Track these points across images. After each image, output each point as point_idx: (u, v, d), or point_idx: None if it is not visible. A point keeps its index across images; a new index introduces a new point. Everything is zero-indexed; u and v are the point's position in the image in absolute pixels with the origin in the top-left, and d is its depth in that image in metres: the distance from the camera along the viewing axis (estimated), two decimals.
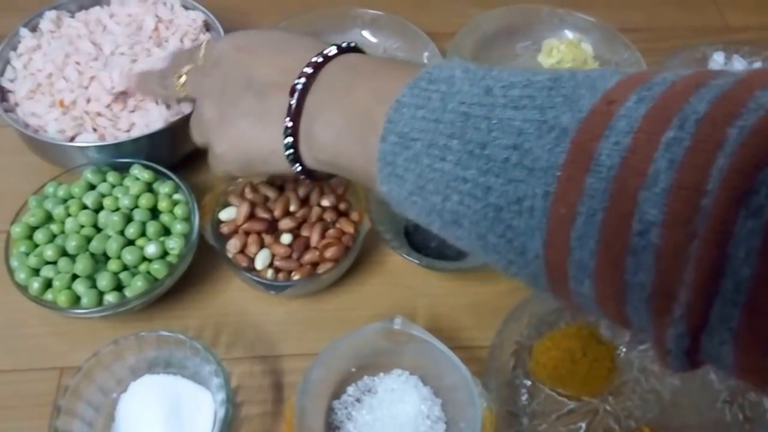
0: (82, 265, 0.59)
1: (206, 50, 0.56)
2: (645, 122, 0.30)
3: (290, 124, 0.46)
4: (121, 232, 0.62)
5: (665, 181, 0.28)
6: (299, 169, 0.49)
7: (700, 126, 0.28)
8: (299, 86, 0.46)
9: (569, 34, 0.95)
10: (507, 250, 0.35)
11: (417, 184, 0.38)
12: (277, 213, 0.66)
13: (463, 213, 0.36)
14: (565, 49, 0.93)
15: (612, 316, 0.33)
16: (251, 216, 0.65)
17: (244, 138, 0.50)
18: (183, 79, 0.58)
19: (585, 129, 0.31)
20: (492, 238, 0.35)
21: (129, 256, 0.61)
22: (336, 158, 0.45)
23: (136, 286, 0.60)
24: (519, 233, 0.34)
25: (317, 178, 0.51)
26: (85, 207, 0.64)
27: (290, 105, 0.46)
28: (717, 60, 0.90)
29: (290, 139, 0.47)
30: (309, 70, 0.46)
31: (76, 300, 0.59)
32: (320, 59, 0.46)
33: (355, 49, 0.48)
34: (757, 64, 0.90)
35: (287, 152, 0.47)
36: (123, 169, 0.68)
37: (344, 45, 0.48)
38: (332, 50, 0.47)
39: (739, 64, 0.89)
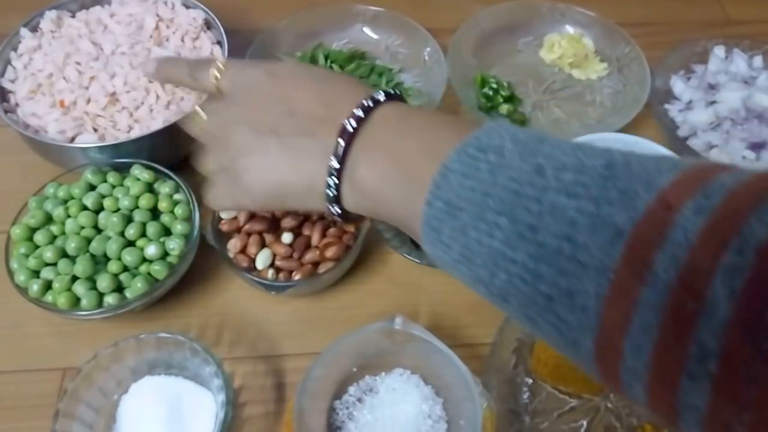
0: (82, 267, 0.59)
1: (229, 73, 0.54)
2: (702, 238, 0.29)
3: (337, 166, 0.45)
4: (122, 233, 0.62)
5: (724, 312, 0.27)
6: (338, 212, 0.47)
7: (759, 256, 0.27)
8: (350, 128, 0.45)
9: (570, 29, 0.95)
10: (558, 338, 0.35)
11: (463, 255, 0.37)
12: (277, 212, 0.66)
13: (512, 292, 0.35)
14: (566, 44, 0.92)
15: (667, 423, 0.33)
16: (252, 216, 0.65)
17: (280, 170, 0.48)
18: (217, 73, 0.54)
19: (640, 234, 0.31)
20: (542, 324, 0.35)
21: (129, 257, 0.61)
22: (378, 206, 0.45)
23: (136, 287, 0.60)
24: (571, 327, 0.33)
25: (348, 219, 0.49)
26: (85, 208, 0.64)
27: (338, 145, 0.45)
28: (718, 54, 0.90)
29: (334, 181, 0.45)
30: (360, 113, 0.45)
31: (77, 301, 0.59)
32: (370, 103, 0.46)
33: (400, 97, 0.48)
34: (758, 58, 0.89)
35: (328, 192, 0.46)
36: (123, 169, 0.68)
37: (392, 92, 0.47)
38: (381, 95, 0.46)
39: (739, 58, 0.88)
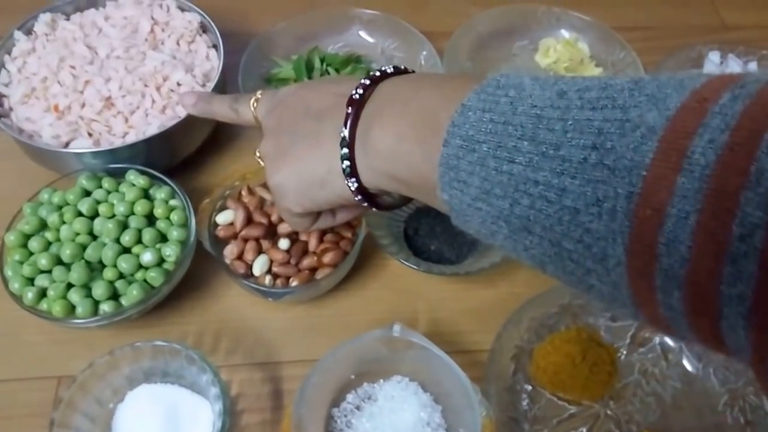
0: (77, 274, 0.59)
1: (263, 100, 0.56)
2: (743, 119, 0.28)
3: (347, 132, 0.45)
4: (117, 240, 0.62)
5: None
6: (355, 186, 0.47)
7: None
8: (356, 96, 0.46)
9: (566, 34, 0.95)
10: (584, 257, 0.33)
11: (482, 189, 0.36)
12: (274, 217, 0.66)
13: (535, 218, 0.34)
14: (561, 48, 0.92)
15: (704, 334, 0.31)
16: (249, 221, 0.65)
17: (300, 160, 0.49)
18: (255, 103, 0.57)
19: (675, 127, 0.29)
20: (568, 244, 0.34)
21: (125, 264, 0.60)
22: (393, 165, 0.43)
23: (132, 294, 0.59)
24: (598, 237, 0.32)
25: (377, 205, 0.49)
26: (80, 214, 0.63)
27: (347, 114, 0.45)
28: (713, 59, 0.90)
29: (346, 150, 0.45)
30: (366, 82, 0.46)
31: (72, 309, 0.59)
32: (377, 74, 0.47)
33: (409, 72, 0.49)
34: (753, 64, 0.90)
35: (343, 165, 0.46)
36: (119, 175, 0.67)
37: (401, 67, 0.48)
38: (389, 68, 0.47)
39: (734, 64, 0.89)
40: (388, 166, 0.44)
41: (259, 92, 0.57)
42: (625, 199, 0.30)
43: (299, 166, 0.49)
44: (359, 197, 0.47)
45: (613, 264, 0.32)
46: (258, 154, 0.56)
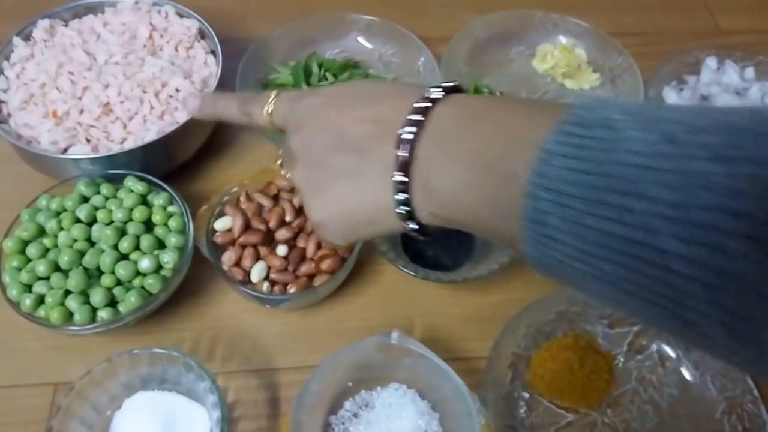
0: (75, 281, 0.59)
1: (280, 107, 0.51)
2: None
3: (402, 178, 0.41)
4: (115, 246, 0.62)
5: None
6: (415, 227, 0.43)
7: None
8: (409, 135, 0.40)
9: (563, 39, 0.95)
10: (724, 337, 0.29)
11: (579, 248, 0.32)
12: (272, 224, 0.66)
13: (652, 286, 0.30)
14: (558, 54, 0.93)
15: None
16: (247, 228, 0.65)
17: (345, 200, 0.45)
18: (270, 108, 0.51)
19: None
20: (700, 320, 0.29)
21: (123, 270, 0.60)
22: (462, 214, 0.40)
23: (129, 301, 0.60)
24: (744, 319, 0.28)
25: (428, 234, 0.45)
26: (78, 220, 0.63)
27: (398, 157, 0.41)
28: (710, 65, 0.90)
29: (404, 195, 0.41)
30: (417, 117, 0.41)
31: (69, 316, 0.59)
32: (427, 103, 0.41)
33: (459, 89, 0.43)
34: (749, 69, 0.90)
35: (399, 209, 0.42)
36: (117, 181, 0.67)
37: (449, 85, 0.43)
38: (436, 91, 0.42)
39: (731, 69, 0.89)
40: (455, 214, 0.40)
41: (272, 95, 0.51)
42: None
43: (344, 206, 0.46)
44: (415, 234, 0.44)
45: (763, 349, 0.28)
46: (280, 161, 0.53)
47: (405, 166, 0.41)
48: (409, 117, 0.41)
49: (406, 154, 0.40)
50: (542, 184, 0.33)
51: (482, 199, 0.38)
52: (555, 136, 0.33)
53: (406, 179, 0.41)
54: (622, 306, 0.33)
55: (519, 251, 0.36)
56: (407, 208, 0.42)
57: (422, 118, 0.41)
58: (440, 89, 0.42)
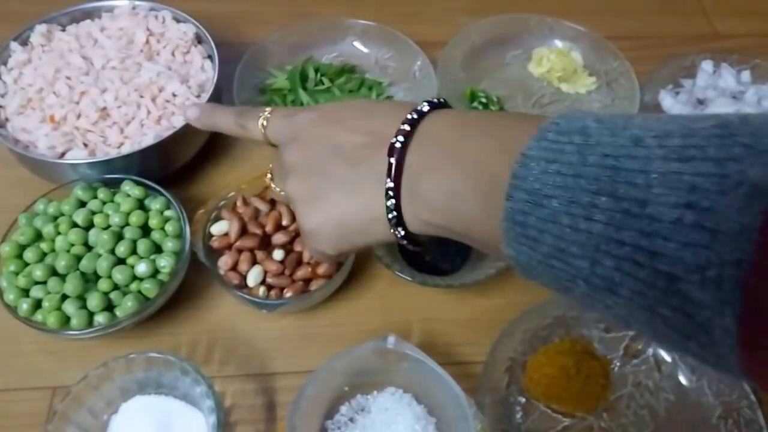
0: (72, 285, 0.59)
1: (274, 122, 0.52)
2: None
3: (392, 184, 0.43)
4: (112, 251, 0.62)
5: None
6: (402, 233, 0.45)
7: None
8: (398, 144, 0.42)
9: (559, 43, 0.96)
10: (684, 325, 0.30)
11: (556, 247, 0.34)
12: (269, 228, 0.66)
13: (620, 280, 0.31)
14: (554, 57, 0.93)
15: None
16: (243, 232, 0.65)
17: (338, 208, 0.47)
18: (265, 122, 0.52)
19: None
20: (663, 310, 0.31)
21: (119, 275, 0.60)
22: (449, 219, 0.41)
23: (126, 306, 0.60)
24: (702, 307, 0.29)
25: (416, 243, 0.46)
26: (75, 225, 0.63)
27: (390, 164, 0.42)
28: (706, 69, 0.90)
29: (393, 201, 0.43)
30: (406, 128, 0.43)
31: (66, 321, 0.59)
32: (415, 116, 0.43)
33: (446, 105, 0.46)
34: (745, 73, 0.90)
35: (389, 215, 0.44)
36: (114, 185, 0.67)
37: (435, 101, 0.45)
38: (425, 106, 0.44)
39: (727, 73, 0.89)
40: (442, 220, 0.42)
41: (267, 110, 0.53)
42: (734, 266, 0.27)
43: (337, 214, 0.47)
44: (405, 241, 0.46)
45: (721, 335, 0.29)
46: (270, 176, 0.55)
47: (395, 173, 0.43)
48: (400, 127, 0.43)
49: (396, 162, 0.42)
50: (520, 186, 0.35)
51: (468, 202, 0.39)
52: (536, 142, 0.35)
53: (393, 185, 0.43)
54: (603, 307, 0.34)
55: (504, 255, 0.38)
56: (395, 215, 0.44)
57: (409, 128, 0.43)
58: (428, 104, 0.44)
